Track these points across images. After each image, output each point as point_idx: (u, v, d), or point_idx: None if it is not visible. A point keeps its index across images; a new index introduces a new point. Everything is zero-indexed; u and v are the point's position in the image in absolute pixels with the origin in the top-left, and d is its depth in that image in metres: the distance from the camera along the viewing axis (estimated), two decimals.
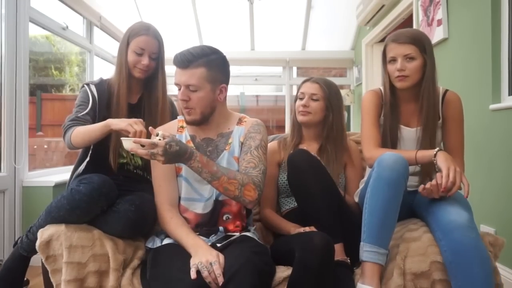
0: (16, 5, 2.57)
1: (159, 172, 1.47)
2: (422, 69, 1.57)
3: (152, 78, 1.72)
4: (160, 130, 1.49)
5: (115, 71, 1.70)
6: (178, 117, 1.58)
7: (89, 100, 1.63)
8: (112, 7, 4.11)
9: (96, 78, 2.05)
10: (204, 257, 1.22)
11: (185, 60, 1.36)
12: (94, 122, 1.60)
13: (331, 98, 1.76)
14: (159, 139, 1.25)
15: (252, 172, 1.40)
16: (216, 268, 1.19)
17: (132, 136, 1.41)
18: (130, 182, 1.63)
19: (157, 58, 1.70)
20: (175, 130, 1.52)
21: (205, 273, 1.18)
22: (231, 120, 1.54)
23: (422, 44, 1.57)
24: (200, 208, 1.45)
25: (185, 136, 1.50)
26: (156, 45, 1.68)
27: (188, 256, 1.28)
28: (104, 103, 1.66)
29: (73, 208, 1.36)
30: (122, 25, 4.39)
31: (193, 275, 1.19)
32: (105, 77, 1.78)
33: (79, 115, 1.61)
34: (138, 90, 1.75)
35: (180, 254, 1.30)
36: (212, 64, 1.38)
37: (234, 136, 1.51)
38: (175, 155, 1.26)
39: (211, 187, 1.42)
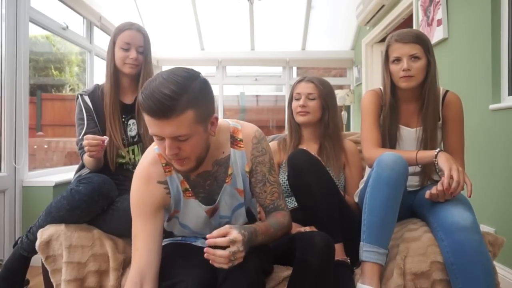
0: (16, 5, 2.57)
1: (139, 230, 1.19)
2: (426, 69, 1.58)
3: (138, 73, 1.72)
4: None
5: (105, 73, 1.71)
6: (155, 149, 1.23)
7: (83, 115, 1.66)
8: (112, 7, 4.11)
9: (94, 82, 2.05)
10: None
11: (165, 109, 1.02)
12: (99, 132, 1.63)
13: (327, 96, 1.77)
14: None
15: (281, 204, 1.33)
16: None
17: (96, 148, 1.41)
18: (129, 181, 1.63)
19: (144, 52, 1.70)
20: (161, 172, 1.22)
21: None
22: (222, 140, 1.28)
23: (426, 44, 1.57)
24: (199, 242, 1.35)
25: (176, 177, 1.24)
26: (141, 38, 1.69)
27: (191, 252, 1.27)
28: (101, 110, 1.67)
29: (73, 208, 1.36)
30: None
31: None
32: (101, 82, 1.78)
33: (81, 138, 1.61)
34: (133, 90, 1.74)
35: (182, 251, 1.29)
36: (198, 100, 1.07)
37: (233, 165, 1.28)
38: (250, 240, 1.09)
39: (210, 223, 1.33)
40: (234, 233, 1.06)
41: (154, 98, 1.02)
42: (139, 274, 1.15)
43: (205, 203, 1.28)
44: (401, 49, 1.57)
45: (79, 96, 1.69)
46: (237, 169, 1.28)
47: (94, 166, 1.59)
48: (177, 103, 1.03)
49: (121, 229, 1.42)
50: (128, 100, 1.74)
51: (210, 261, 1.05)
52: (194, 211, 1.28)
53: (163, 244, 1.37)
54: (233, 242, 1.04)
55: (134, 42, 1.67)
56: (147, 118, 1.07)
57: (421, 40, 1.57)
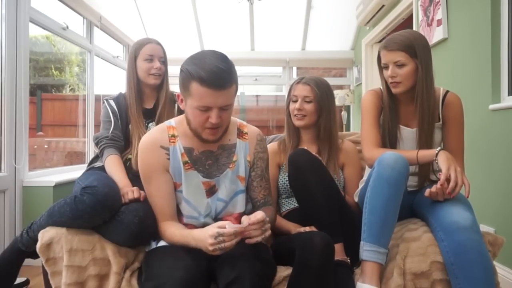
0: (16, 5, 2.57)
1: (155, 190, 1.38)
2: (415, 74, 1.57)
3: (161, 82, 1.89)
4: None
5: (126, 86, 1.88)
6: (166, 122, 1.45)
7: (110, 116, 1.81)
8: (112, 7, 4.11)
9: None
10: (204, 245, 1.17)
11: (224, 81, 1.22)
12: (121, 129, 1.80)
13: (322, 100, 1.76)
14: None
15: (270, 200, 1.50)
16: (226, 236, 1.13)
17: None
18: (137, 182, 1.62)
19: (164, 62, 1.88)
20: (166, 140, 1.38)
21: (223, 245, 1.14)
22: (229, 130, 1.43)
23: (412, 49, 1.55)
24: (200, 224, 1.40)
25: (179, 148, 1.37)
26: (161, 49, 1.89)
27: (179, 253, 1.26)
28: (124, 113, 1.83)
29: (75, 218, 1.36)
30: (122, 25, 4.40)
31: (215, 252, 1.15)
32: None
33: (109, 133, 1.76)
34: (153, 96, 1.90)
35: (171, 252, 1.29)
36: (236, 78, 1.29)
37: (238, 153, 1.42)
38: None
39: (207, 204, 1.39)
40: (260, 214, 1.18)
41: (215, 72, 1.20)
42: (164, 216, 1.37)
43: (202, 176, 1.39)
44: (386, 56, 1.59)
45: (105, 101, 1.87)
46: (241, 157, 1.43)
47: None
48: (230, 76, 1.24)
49: (122, 242, 1.40)
50: (148, 105, 1.89)
51: (246, 241, 1.17)
52: (193, 182, 1.38)
53: (159, 245, 1.40)
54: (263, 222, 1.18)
55: (156, 54, 1.85)
56: (202, 91, 1.22)
57: (406, 47, 1.55)
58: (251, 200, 1.50)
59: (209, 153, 1.40)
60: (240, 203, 1.44)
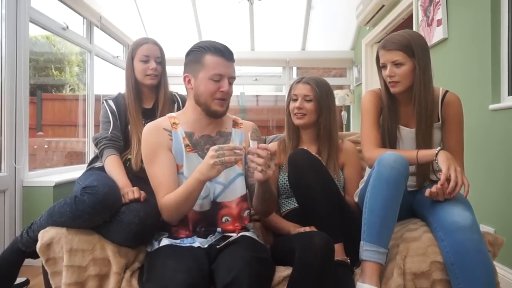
0: (16, 5, 2.57)
1: (158, 167, 1.42)
2: (413, 73, 1.57)
3: (159, 82, 1.89)
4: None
5: (126, 87, 1.88)
6: (168, 114, 1.54)
7: (109, 116, 1.82)
8: (112, 7, 4.11)
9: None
10: (206, 164, 1.27)
11: (231, 54, 1.45)
12: (120, 129, 1.80)
13: (321, 99, 1.76)
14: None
15: None
16: (226, 150, 1.25)
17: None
18: (137, 182, 1.63)
19: (161, 62, 1.87)
20: (169, 125, 1.48)
21: (224, 159, 1.24)
22: (226, 121, 1.56)
23: (410, 48, 1.55)
24: (197, 206, 1.42)
25: (180, 133, 1.47)
26: (158, 49, 1.87)
27: (182, 255, 1.27)
28: (123, 113, 1.84)
29: (75, 217, 1.36)
30: (122, 25, 4.40)
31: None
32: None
33: (108, 134, 1.77)
34: (152, 96, 1.90)
35: (174, 254, 1.29)
36: None
37: (234, 140, 1.52)
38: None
39: (206, 186, 1.40)
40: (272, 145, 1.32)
41: (224, 46, 1.45)
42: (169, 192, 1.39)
43: (202, 159, 1.44)
44: (384, 56, 1.60)
45: (104, 101, 1.88)
46: (236, 143, 1.52)
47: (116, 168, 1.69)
48: (233, 54, 1.46)
49: (122, 242, 1.40)
50: (147, 105, 1.89)
51: (249, 162, 1.28)
52: (194, 164, 1.43)
53: (161, 245, 1.41)
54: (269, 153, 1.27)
55: (152, 54, 1.84)
56: (217, 60, 1.42)
57: (403, 46, 1.55)
58: (249, 187, 1.53)
59: (207, 138, 1.50)
60: (239, 186, 1.50)
